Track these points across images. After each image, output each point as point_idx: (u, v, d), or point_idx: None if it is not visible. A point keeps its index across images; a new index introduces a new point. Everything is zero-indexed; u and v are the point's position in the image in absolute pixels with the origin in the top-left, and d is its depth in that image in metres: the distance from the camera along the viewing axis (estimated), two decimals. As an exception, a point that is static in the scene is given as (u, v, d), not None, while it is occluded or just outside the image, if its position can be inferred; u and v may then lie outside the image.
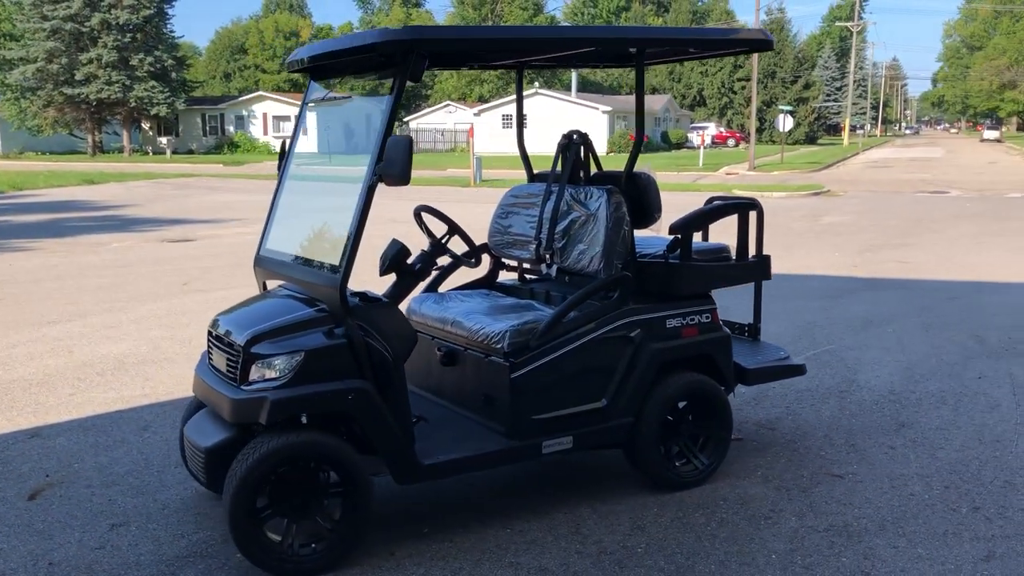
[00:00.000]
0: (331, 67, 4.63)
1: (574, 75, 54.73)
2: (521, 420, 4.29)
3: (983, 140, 74.37)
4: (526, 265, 5.41)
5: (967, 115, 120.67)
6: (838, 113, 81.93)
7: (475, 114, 54.78)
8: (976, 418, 5.85)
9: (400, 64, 3.91)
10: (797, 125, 59.74)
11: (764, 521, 4.38)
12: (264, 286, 4.73)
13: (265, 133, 56.98)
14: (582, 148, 4.98)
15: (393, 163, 3.77)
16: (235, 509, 3.72)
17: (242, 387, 3.92)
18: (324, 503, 3.92)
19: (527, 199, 5.21)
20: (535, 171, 5.51)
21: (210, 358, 4.32)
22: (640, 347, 4.55)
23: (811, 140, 67.19)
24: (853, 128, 76.02)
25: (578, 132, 5.02)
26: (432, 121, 60.45)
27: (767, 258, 5.08)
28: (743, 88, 67.65)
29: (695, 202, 5.70)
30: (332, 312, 3.96)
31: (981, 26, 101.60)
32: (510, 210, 5.30)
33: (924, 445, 5.38)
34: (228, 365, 4.06)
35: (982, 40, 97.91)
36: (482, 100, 66.00)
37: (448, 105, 62.48)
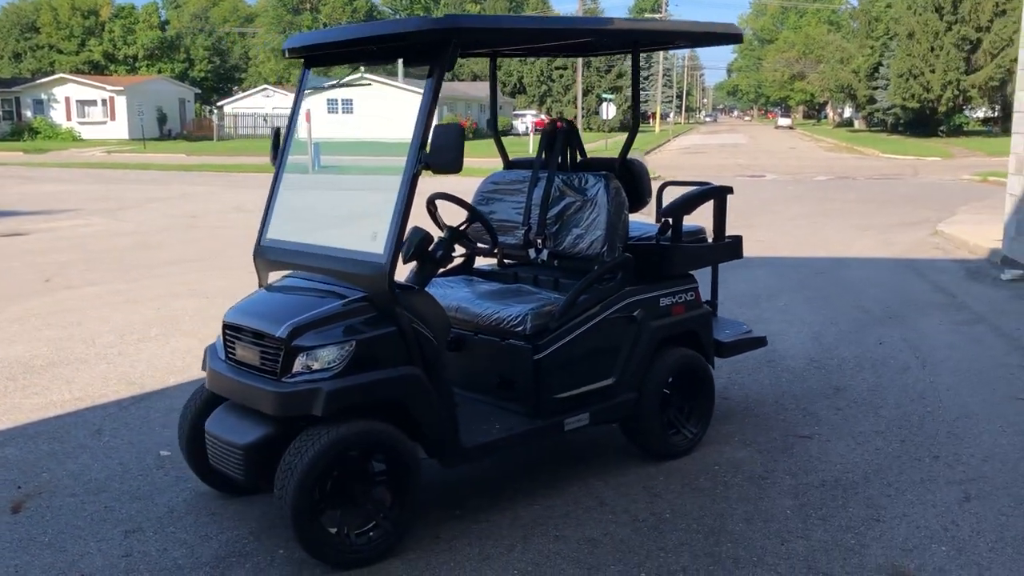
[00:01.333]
0: (339, 56, 4.56)
1: (400, 61, 54.10)
2: (545, 400, 4.44)
3: (778, 127, 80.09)
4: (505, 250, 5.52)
5: (759, 103, 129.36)
6: (646, 102, 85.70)
7: (297, 99, 53.21)
8: (896, 379, 6.50)
9: (438, 53, 3.94)
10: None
11: (763, 481, 4.74)
12: (265, 277, 4.61)
13: (69, 119, 53.14)
14: (569, 136, 5.15)
15: (443, 151, 3.80)
16: (298, 503, 3.65)
17: (284, 380, 3.86)
18: (375, 490, 3.92)
19: (510, 185, 5.32)
20: (511, 158, 5.62)
21: (230, 353, 4.19)
22: (642, 325, 4.80)
23: (625, 128, 70.04)
24: (664, 116, 79.81)
25: (565, 120, 5.19)
26: (249, 106, 58.34)
27: (739, 238, 5.45)
28: (561, 76, 69.51)
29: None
30: (375, 300, 3.95)
31: (770, 20, 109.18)
32: (491, 196, 5.39)
33: (864, 405, 5.93)
34: (263, 358, 3.96)
35: (772, 33, 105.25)
36: (302, 85, 64.21)
37: (266, 89, 60.47)
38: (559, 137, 5.14)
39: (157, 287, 10.07)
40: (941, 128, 54.01)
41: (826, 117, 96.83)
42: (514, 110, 67.54)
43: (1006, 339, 7.61)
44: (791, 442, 5.28)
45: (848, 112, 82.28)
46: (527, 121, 62.19)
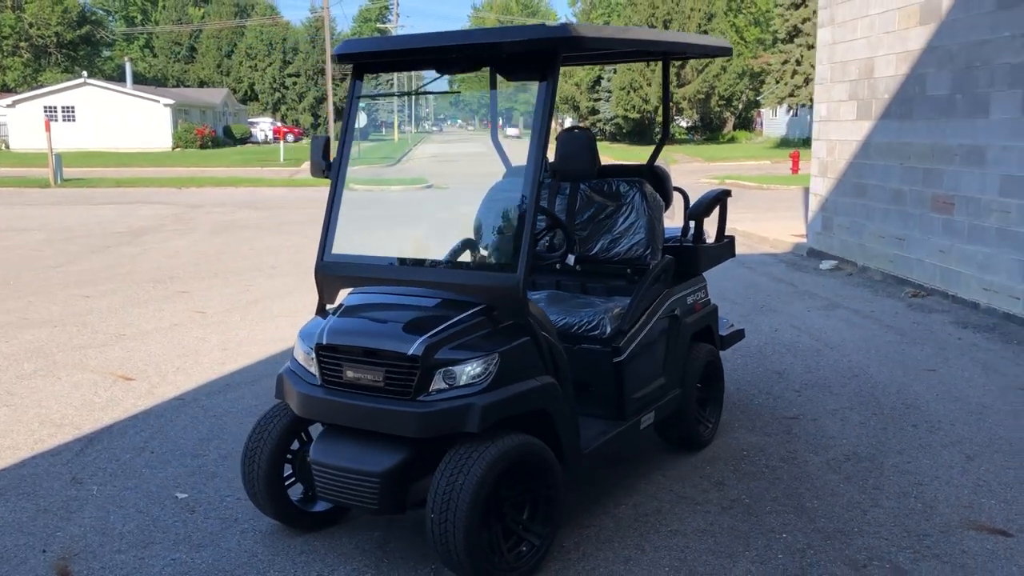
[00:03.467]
0: (401, 64, 4.39)
1: (128, 64, 50.36)
2: (626, 401, 4.52)
3: (506, 137, 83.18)
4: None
5: (480, 114, 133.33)
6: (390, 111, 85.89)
7: (8, 105, 47.80)
8: (820, 362, 7.18)
9: (549, 62, 3.92)
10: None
11: (796, 460, 5.10)
12: (333, 294, 4.32)
13: None
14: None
15: (573, 158, 3.81)
16: (471, 524, 3.49)
17: (421, 399, 3.67)
18: (524, 506, 3.83)
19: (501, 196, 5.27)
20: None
21: (331, 376, 3.89)
22: (680, 324, 5.01)
23: (364, 136, 69.82)
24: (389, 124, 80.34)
25: (580, 128, 5.27)
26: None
27: (733, 238, 5.81)
28: (295, 84, 67.92)
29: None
30: (503, 310, 3.85)
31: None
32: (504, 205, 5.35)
33: (816, 387, 6.51)
34: (390, 379, 3.73)
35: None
36: (7, 89, 57.76)
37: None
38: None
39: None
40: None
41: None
42: (248, 118, 65.04)
43: (872, 320, 8.63)
44: (787, 424, 5.71)
45: (568, 122, 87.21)
46: (265, 128, 60.22)
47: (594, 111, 66.60)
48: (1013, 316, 8.29)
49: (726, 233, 5.77)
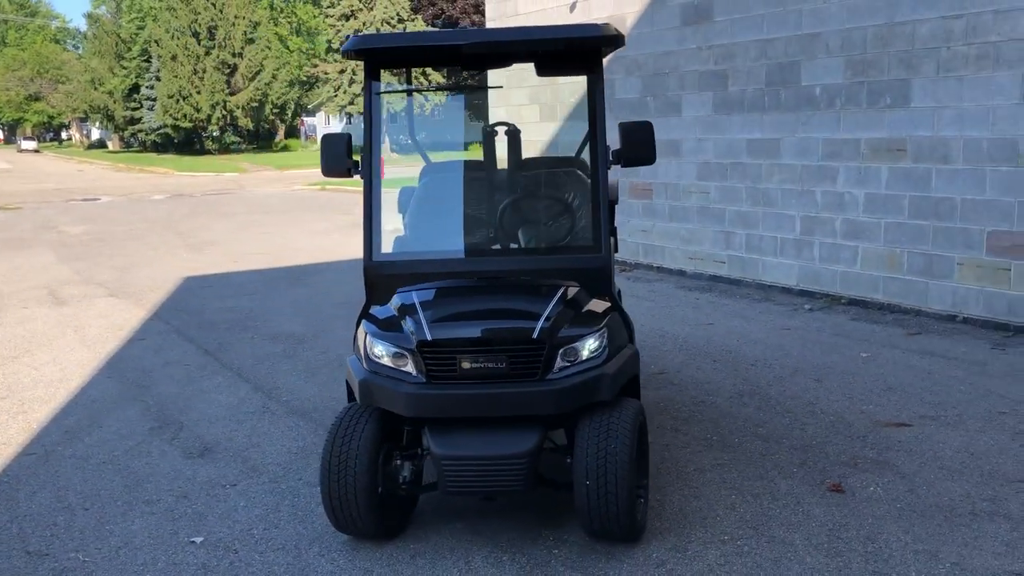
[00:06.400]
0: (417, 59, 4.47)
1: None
2: None
3: (21, 150, 73.80)
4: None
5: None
6: None
7: None
8: (697, 354, 7.86)
9: (595, 59, 4.30)
10: None
11: (820, 464, 4.90)
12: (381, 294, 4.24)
13: None
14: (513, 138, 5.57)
15: (638, 146, 4.26)
16: (629, 484, 3.77)
17: (549, 378, 3.87)
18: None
19: (455, 182, 5.42)
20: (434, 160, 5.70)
21: (439, 372, 3.90)
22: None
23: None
24: None
25: (509, 124, 5.57)
26: None
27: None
28: None
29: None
30: (591, 288, 4.16)
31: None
32: (437, 191, 5.42)
33: (745, 388, 6.26)
34: (514, 363, 3.86)
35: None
36: None
37: None
38: (511, 138, 5.52)
39: None
40: (213, 146, 56.93)
41: (70, 139, 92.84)
42: None
43: (715, 307, 9.79)
44: (772, 431, 5.46)
45: (97, 133, 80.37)
46: None
47: (133, 120, 62.27)
48: (720, 277, 10.11)
49: None
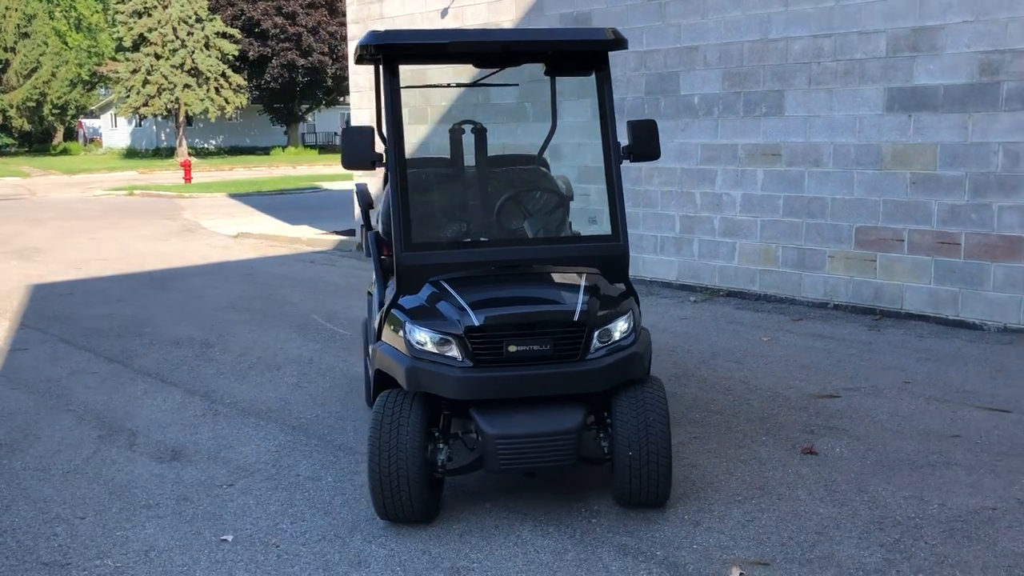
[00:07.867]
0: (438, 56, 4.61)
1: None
2: None
3: None
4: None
5: None
6: None
7: None
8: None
9: (603, 60, 4.61)
10: None
11: (844, 458, 4.96)
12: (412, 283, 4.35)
13: None
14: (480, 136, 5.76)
15: (645, 142, 4.61)
16: (670, 455, 4.14)
17: (588, 358, 4.13)
18: None
19: (429, 178, 5.56)
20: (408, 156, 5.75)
21: (491, 355, 4.07)
22: None
23: None
24: None
25: (475, 122, 5.74)
26: None
27: None
28: None
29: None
30: (611, 275, 4.46)
31: None
32: (419, 187, 5.54)
33: (685, 367, 7.53)
34: (558, 345, 4.09)
35: None
36: None
37: None
38: (478, 136, 5.69)
39: None
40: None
41: None
42: None
43: None
44: (723, 407, 5.91)
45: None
46: None
47: None
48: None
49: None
